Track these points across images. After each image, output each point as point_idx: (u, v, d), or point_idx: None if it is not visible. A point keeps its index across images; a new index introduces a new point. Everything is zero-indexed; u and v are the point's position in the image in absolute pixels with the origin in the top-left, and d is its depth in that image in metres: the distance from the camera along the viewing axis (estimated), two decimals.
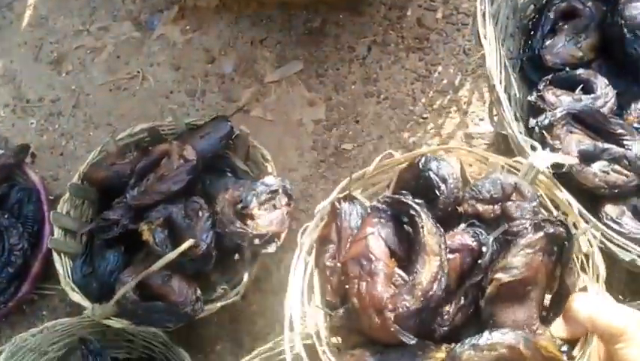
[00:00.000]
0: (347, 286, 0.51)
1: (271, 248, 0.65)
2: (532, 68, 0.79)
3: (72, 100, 0.91)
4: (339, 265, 0.54)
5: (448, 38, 0.88)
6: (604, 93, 0.75)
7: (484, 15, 0.64)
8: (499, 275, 0.48)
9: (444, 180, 0.54)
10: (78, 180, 0.73)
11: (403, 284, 0.50)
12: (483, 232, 0.51)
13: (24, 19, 0.98)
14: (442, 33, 0.89)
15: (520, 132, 0.66)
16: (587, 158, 0.69)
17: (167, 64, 0.91)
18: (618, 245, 0.60)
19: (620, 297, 0.69)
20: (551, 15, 0.81)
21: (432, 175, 0.54)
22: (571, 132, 0.71)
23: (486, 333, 0.46)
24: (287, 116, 0.86)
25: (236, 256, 0.70)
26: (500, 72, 0.69)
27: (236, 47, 0.91)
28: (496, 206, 0.53)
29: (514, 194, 0.54)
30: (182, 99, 0.89)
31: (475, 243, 0.50)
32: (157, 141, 0.76)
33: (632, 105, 0.74)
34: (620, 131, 0.71)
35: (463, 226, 0.52)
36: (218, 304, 0.67)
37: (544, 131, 0.70)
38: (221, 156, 0.74)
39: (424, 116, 0.84)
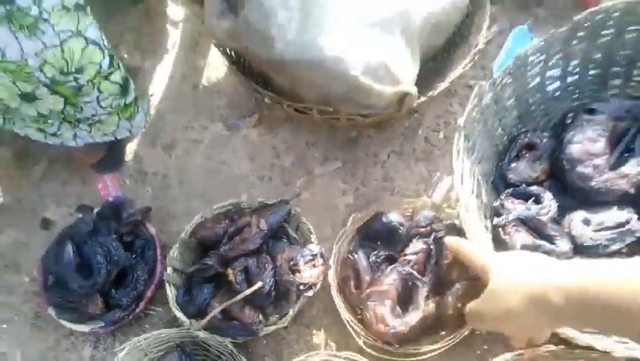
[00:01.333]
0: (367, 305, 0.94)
1: (310, 293, 0.99)
2: (500, 182, 1.12)
3: (179, 176, 1.29)
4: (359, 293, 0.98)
5: (447, 153, 1.23)
6: (548, 205, 1.06)
7: (458, 152, 0.98)
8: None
9: (401, 224, 0.92)
10: (186, 236, 1.10)
11: (400, 315, 0.92)
12: (428, 240, 0.98)
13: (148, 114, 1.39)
14: (442, 149, 1.23)
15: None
16: (528, 250, 1.01)
17: (246, 156, 1.28)
18: None
19: None
20: (517, 146, 1.14)
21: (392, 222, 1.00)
22: (518, 231, 1.02)
23: None
24: (326, 200, 1.21)
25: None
26: (474, 185, 1.03)
27: (295, 147, 1.28)
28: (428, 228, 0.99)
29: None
30: (254, 182, 1.25)
31: (425, 245, 0.98)
32: (239, 212, 1.12)
33: (567, 216, 1.06)
34: (552, 233, 1.02)
35: (415, 240, 1.01)
36: (271, 328, 1.00)
37: (500, 229, 1.02)
38: (282, 227, 1.10)
39: None
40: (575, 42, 1.07)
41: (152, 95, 1.39)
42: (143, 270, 1.08)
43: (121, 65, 1.04)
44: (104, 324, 1.08)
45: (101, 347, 1.12)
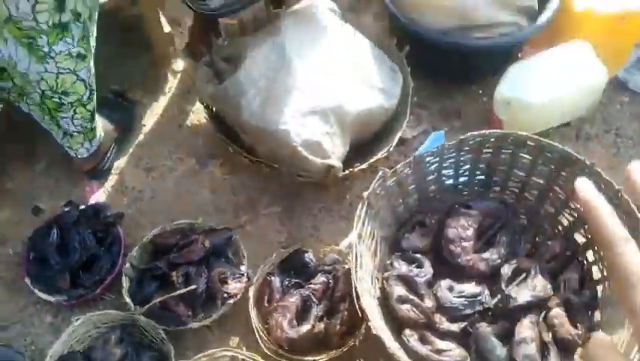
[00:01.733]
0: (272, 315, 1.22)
1: (231, 301, 1.30)
2: (395, 246, 1.46)
3: (151, 194, 1.60)
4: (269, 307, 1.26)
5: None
6: (426, 270, 1.39)
7: (359, 216, 1.31)
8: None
9: (312, 260, 1.26)
10: (146, 240, 1.40)
11: (295, 326, 1.22)
12: (329, 276, 1.25)
13: (135, 142, 1.71)
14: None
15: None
16: (401, 301, 1.33)
17: (209, 189, 1.61)
18: None
19: None
20: (413, 221, 1.48)
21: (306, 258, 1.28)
22: (397, 285, 1.34)
23: None
24: (264, 235, 1.53)
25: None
26: (373, 243, 1.37)
27: (248, 189, 1.61)
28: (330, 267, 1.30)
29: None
30: (210, 210, 1.57)
31: (326, 279, 1.29)
32: (192, 231, 1.43)
33: (438, 281, 1.39)
34: (423, 292, 1.34)
35: (320, 274, 1.29)
36: (197, 324, 1.30)
37: (384, 280, 1.35)
38: (223, 248, 1.41)
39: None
40: (462, 153, 1.44)
41: (144, 126, 1.72)
42: (107, 261, 1.38)
43: (94, 97, 1.39)
44: (67, 298, 1.36)
45: (60, 316, 1.39)
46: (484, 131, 1.40)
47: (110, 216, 1.46)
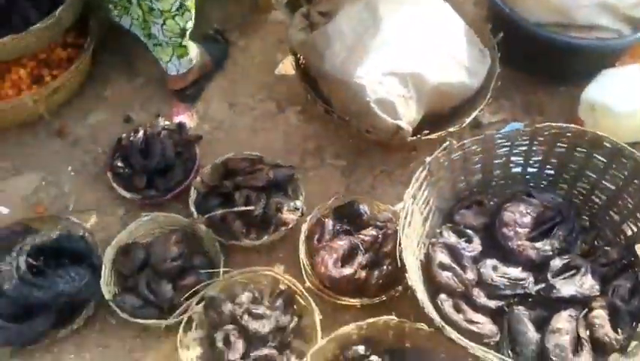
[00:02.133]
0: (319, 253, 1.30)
1: (282, 228, 1.39)
2: (448, 218, 1.48)
3: (230, 126, 1.72)
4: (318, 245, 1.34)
5: None
6: (474, 247, 1.42)
7: (417, 179, 1.35)
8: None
9: (365, 212, 1.34)
10: (219, 162, 1.52)
11: (338, 268, 1.31)
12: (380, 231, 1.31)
13: (224, 77, 1.83)
14: None
15: None
16: (443, 267, 1.36)
17: (282, 132, 1.70)
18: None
19: None
20: (471, 199, 1.49)
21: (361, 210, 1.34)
22: (441, 252, 1.36)
23: None
24: (324, 183, 1.60)
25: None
26: (427, 210, 1.40)
27: (318, 139, 1.69)
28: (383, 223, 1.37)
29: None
30: (279, 150, 1.65)
31: (376, 233, 1.36)
32: (259, 162, 1.52)
33: (484, 259, 1.40)
34: (466, 264, 1.36)
35: (371, 228, 1.35)
36: (249, 243, 1.40)
37: (430, 245, 1.37)
38: (284, 183, 1.50)
39: None
40: (535, 143, 1.44)
41: (235, 65, 1.84)
42: (181, 173, 1.51)
43: (188, 17, 1.52)
44: (140, 197, 1.50)
45: (131, 213, 1.54)
46: (561, 124, 1.40)
47: (190, 135, 1.58)
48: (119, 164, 1.50)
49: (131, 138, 1.51)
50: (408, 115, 1.45)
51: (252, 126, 1.71)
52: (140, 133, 1.51)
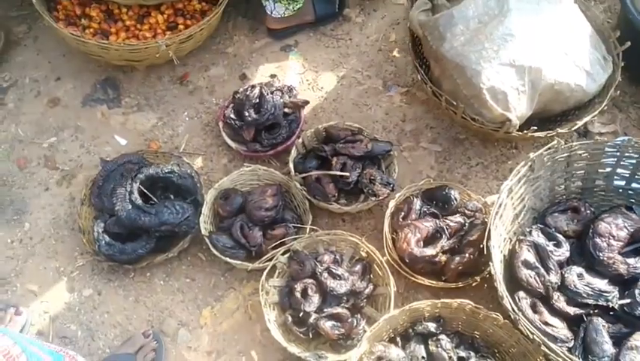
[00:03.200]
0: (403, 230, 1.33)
1: (373, 198, 1.45)
2: (540, 219, 1.46)
3: (337, 97, 1.79)
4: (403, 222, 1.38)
5: None
6: (563, 252, 1.39)
7: (517, 172, 1.34)
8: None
9: (455, 199, 1.32)
10: (321, 128, 1.59)
11: (420, 247, 1.34)
12: (467, 219, 1.33)
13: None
14: None
15: None
16: (527, 265, 1.35)
17: (384, 110, 1.74)
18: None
19: None
20: (567, 204, 1.45)
21: (452, 195, 1.34)
22: (528, 250, 1.35)
23: None
24: (417, 164, 1.63)
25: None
26: (520, 207, 1.39)
27: (418, 122, 1.71)
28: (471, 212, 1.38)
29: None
30: (378, 126, 1.70)
31: (462, 220, 1.38)
32: (360, 133, 1.58)
33: (571, 265, 1.37)
34: (551, 266, 1.33)
35: (459, 215, 1.38)
36: (337, 207, 1.46)
37: (517, 241, 1.37)
38: (379, 158, 1.54)
39: None
40: None
41: (350, 40, 1.90)
42: (286, 132, 1.60)
43: None
44: (245, 149, 1.60)
45: (234, 162, 1.66)
46: None
47: (299, 99, 1.67)
48: (232, 115, 1.61)
49: (247, 93, 1.61)
50: (518, 108, 1.44)
51: (356, 100, 1.77)
52: (257, 89, 1.61)
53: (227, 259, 1.42)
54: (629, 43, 1.57)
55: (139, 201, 1.46)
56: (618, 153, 1.40)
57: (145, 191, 1.50)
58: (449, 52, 1.44)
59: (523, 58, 1.41)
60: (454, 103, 1.47)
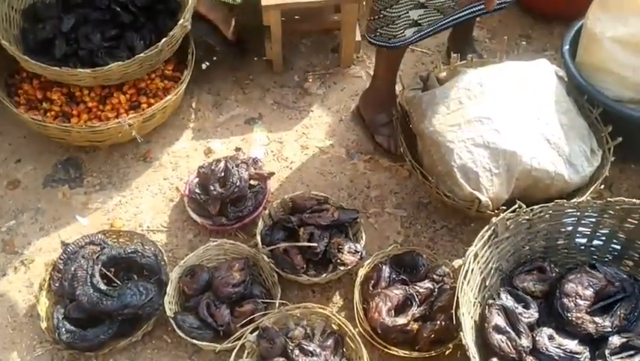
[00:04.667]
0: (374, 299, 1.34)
1: (342, 268, 1.43)
2: (507, 281, 1.47)
3: (300, 165, 1.81)
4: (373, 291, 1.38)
5: None
6: (531, 313, 1.39)
7: (482, 237, 1.36)
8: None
9: (423, 265, 1.36)
10: (287, 198, 1.60)
11: (391, 316, 1.34)
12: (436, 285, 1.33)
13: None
14: None
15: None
16: (498, 330, 1.34)
17: (348, 177, 1.77)
18: None
19: None
20: (532, 265, 1.48)
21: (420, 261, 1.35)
22: (498, 314, 1.35)
23: None
24: (384, 230, 1.64)
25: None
26: (486, 269, 1.40)
27: (381, 189, 1.74)
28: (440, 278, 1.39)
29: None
30: (344, 195, 1.72)
31: (432, 287, 1.38)
32: (325, 202, 1.58)
33: (541, 326, 1.37)
34: (522, 330, 1.32)
35: (428, 281, 1.38)
36: (306, 279, 1.44)
37: (487, 306, 1.36)
38: (346, 226, 1.54)
39: None
40: (606, 216, 1.43)
41: (312, 112, 1.95)
42: (252, 204, 1.60)
43: None
44: (211, 223, 1.59)
45: (199, 237, 1.64)
46: (635, 200, 1.38)
47: (264, 171, 1.68)
48: (197, 190, 1.61)
49: (212, 167, 1.62)
50: (491, 190, 1.46)
51: (321, 169, 1.79)
52: (222, 163, 1.62)
53: (194, 341, 1.37)
54: (620, 139, 1.55)
55: (101, 285, 1.42)
56: (578, 213, 1.45)
57: (107, 273, 1.46)
58: (428, 129, 1.51)
59: (498, 141, 1.45)
60: (429, 178, 1.51)
